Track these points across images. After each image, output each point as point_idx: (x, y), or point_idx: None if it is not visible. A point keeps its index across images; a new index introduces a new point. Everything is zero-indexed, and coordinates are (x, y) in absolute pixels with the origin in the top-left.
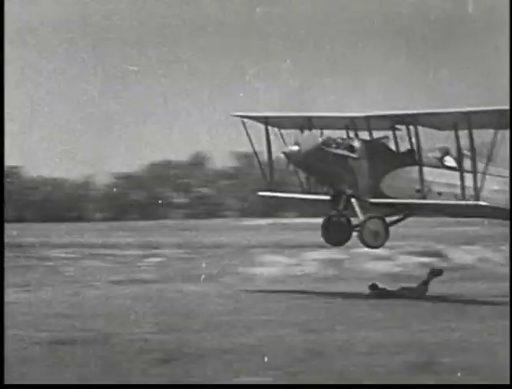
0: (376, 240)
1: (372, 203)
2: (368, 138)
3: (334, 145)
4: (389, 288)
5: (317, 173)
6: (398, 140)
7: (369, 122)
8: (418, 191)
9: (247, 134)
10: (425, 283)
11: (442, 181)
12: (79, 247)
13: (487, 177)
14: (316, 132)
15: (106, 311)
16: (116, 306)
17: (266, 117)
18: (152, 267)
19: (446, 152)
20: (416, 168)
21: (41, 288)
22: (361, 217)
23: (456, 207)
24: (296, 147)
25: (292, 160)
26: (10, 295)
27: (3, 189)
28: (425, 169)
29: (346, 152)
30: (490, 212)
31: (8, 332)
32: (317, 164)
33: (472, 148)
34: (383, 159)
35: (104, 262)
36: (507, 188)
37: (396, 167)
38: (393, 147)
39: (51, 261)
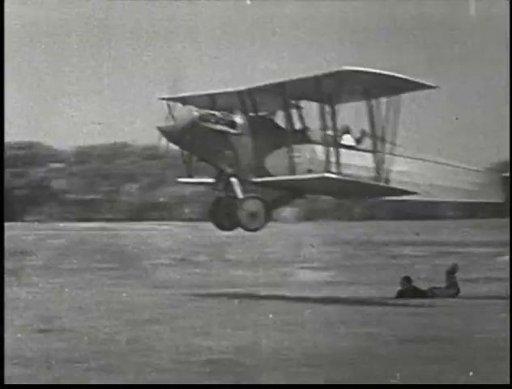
0: (253, 221)
1: (257, 183)
2: (259, 114)
3: (213, 120)
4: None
5: (195, 149)
6: (296, 117)
7: (253, 96)
8: (310, 171)
9: (172, 116)
10: (455, 283)
11: (337, 160)
12: (429, 245)
13: (390, 157)
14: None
15: None
16: None
17: (184, 98)
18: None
19: (346, 131)
20: (308, 146)
21: None
22: (239, 197)
23: (302, 182)
24: (171, 123)
25: (167, 136)
26: None
27: (3, 188)
28: (318, 148)
29: (225, 128)
30: (353, 188)
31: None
32: (194, 141)
33: (371, 124)
34: (269, 136)
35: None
36: (415, 170)
37: (284, 145)
38: (287, 123)
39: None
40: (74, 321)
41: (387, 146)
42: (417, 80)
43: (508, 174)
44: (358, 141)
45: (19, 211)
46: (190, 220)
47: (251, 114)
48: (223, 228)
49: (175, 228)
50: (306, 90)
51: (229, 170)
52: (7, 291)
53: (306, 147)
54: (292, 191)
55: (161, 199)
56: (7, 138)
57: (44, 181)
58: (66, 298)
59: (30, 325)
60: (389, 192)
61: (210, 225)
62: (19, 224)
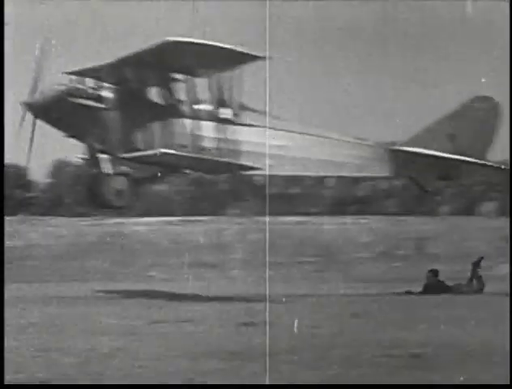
0: (118, 199)
1: (127, 159)
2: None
3: (80, 95)
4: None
5: (62, 126)
6: (171, 91)
7: (121, 69)
8: (183, 146)
9: (37, 89)
10: (479, 277)
11: (212, 135)
12: None
13: (270, 131)
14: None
15: None
16: None
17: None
18: None
19: (223, 104)
20: (181, 121)
21: None
22: (105, 173)
23: (153, 157)
24: (35, 96)
25: (33, 111)
26: None
27: (3, 188)
28: (192, 122)
29: (93, 103)
30: (196, 163)
31: None
32: (61, 116)
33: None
34: (140, 110)
35: None
36: (295, 144)
37: (156, 120)
38: (160, 97)
39: None
40: (273, 316)
41: (269, 120)
42: (247, 52)
43: (394, 147)
44: (236, 115)
45: (221, 205)
46: (390, 214)
47: (120, 88)
48: (99, 205)
49: (374, 222)
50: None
51: (98, 146)
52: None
53: (178, 121)
54: (165, 168)
55: (361, 193)
56: None
57: (243, 175)
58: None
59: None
60: (234, 168)
61: (411, 219)
62: (221, 218)
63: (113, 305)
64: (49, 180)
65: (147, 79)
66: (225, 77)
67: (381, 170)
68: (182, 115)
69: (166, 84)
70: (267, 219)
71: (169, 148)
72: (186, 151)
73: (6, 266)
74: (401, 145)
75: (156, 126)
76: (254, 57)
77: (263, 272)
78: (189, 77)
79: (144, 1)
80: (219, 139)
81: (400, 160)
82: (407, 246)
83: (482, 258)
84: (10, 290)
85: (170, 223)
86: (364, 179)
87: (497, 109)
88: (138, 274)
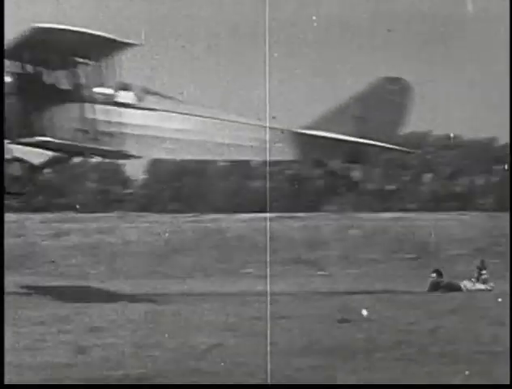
0: (14, 185)
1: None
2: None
3: None
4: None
5: None
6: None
7: (20, 52)
8: (83, 131)
9: None
10: (486, 280)
11: (111, 119)
12: None
13: (170, 114)
14: None
15: None
16: None
17: None
18: None
19: (124, 88)
20: (79, 105)
21: None
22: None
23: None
24: None
25: None
26: None
27: (3, 185)
28: (90, 106)
29: None
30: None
31: None
32: None
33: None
34: (38, 95)
35: None
36: (194, 127)
37: (54, 104)
38: (61, 81)
39: None
40: (371, 312)
41: (170, 103)
42: (119, 39)
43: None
44: (140, 99)
45: (317, 202)
46: (487, 210)
47: (19, 72)
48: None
49: (471, 218)
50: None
51: None
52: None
53: (76, 105)
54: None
55: (458, 189)
56: None
57: (343, 171)
58: (362, 288)
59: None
60: (109, 154)
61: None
62: (314, 214)
63: (209, 302)
64: (145, 176)
65: (45, 62)
66: (118, 60)
67: (285, 154)
68: (82, 99)
69: (65, 68)
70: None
71: (68, 133)
72: (87, 136)
73: (104, 261)
74: (306, 128)
75: (57, 111)
76: (127, 45)
77: (358, 268)
78: (87, 61)
79: None
80: (115, 123)
81: (305, 143)
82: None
83: (483, 261)
84: (106, 286)
85: (267, 219)
86: (461, 175)
87: (406, 89)
88: (235, 270)
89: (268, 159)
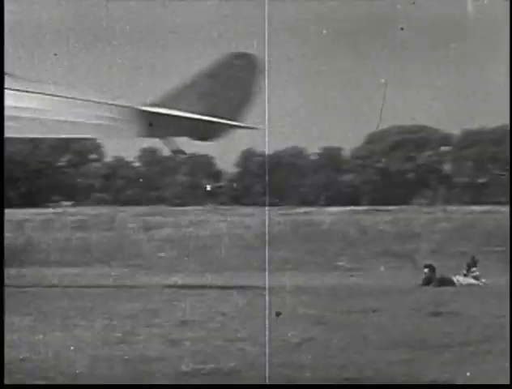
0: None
1: None
2: None
3: None
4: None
5: None
6: None
7: None
8: None
9: None
10: (477, 277)
11: None
12: None
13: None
14: None
15: None
16: None
17: None
18: None
19: None
20: None
21: None
22: None
23: None
24: None
25: None
26: None
27: (3, 184)
28: None
29: None
30: None
31: None
32: None
33: None
34: None
35: None
36: (33, 105)
37: None
38: None
39: None
40: (461, 306)
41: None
42: None
43: None
44: None
45: (408, 194)
46: None
47: None
48: None
49: None
50: None
51: None
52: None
53: None
54: None
55: None
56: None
57: (433, 164)
58: None
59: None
60: None
61: None
62: (406, 206)
63: (300, 295)
64: (237, 169)
65: None
66: None
67: (128, 132)
68: None
69: None
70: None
71: None
72: None
73: (193, 253)
74: (150, 105)
75: None
76: None
77: (449, 261)
78: None
79: None
80: None
81: (150, 120)
82: None
83: (474, 257)
84: (198, 279)
85: (357, 212)
86: None
87: (254, 65)
88: (327, 263)
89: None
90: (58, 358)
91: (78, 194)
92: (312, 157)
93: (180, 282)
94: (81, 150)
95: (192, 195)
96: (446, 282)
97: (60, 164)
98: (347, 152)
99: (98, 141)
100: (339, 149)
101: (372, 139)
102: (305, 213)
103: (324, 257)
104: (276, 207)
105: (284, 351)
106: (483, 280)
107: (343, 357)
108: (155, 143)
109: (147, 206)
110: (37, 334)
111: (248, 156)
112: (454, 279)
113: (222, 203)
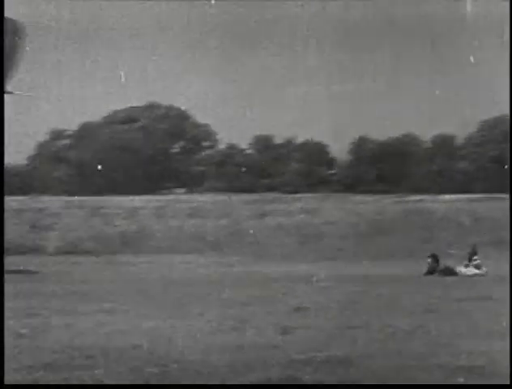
0: None
1: None
2: None
3: None
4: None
5: None
6: None
7: None
8: None
9: None
10: (478, 265)
11: None
12: None
13: None
14: None
15: None
16: None
17: None
18: None
19: None
20: None
21: None
22: None
23: None
24: None
25: None
26: None
27: (3, 183)
28: None
29: None
30: None
31: None
32: None
33: None
34: None
35: None
36: None
37: None
38: None
39: None
40: None
41: None
42: None
43: None
44: None
45: None
46: None
47: None
48: None
49: None
50: None
51: None
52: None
53: None
54: None
55: None
56: None
57: None
58: None
59: None
60: None
61: None
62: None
63: (411, 284)
64: (349, 157)
65: None
66: None
67: None
68: None
69: None
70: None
71: None
72: None
73: (305, 241)
74: None
75: None
76: None
77: None
78: None
79: None
80: None
81: None
82: None
83: (475, 245)
84: (310, 267)
85: (471, 200)
86: None
87: (15, 28)
88: (439, 252)
89: None
90: (172, 345)
91: (191, 182)
92: (425, 145)
93: (293, 269)
94: (195, 137)
95: (305, 183)
96: (449, 271)
97: (173, 151)
98: (460, 140)
99: (212, 128)
100: (452, 137)
101: (483, 128)
102: (419, 201)
103: (437, 245)
104: (389, 195)
105: (396, 339)
106: (484, 269)
107: (455, 345)
108: (268, 129)
109: (259, 193)
110: (150, 321)
111: (361, 144)
112: (457, 269)
113: (335, 191)
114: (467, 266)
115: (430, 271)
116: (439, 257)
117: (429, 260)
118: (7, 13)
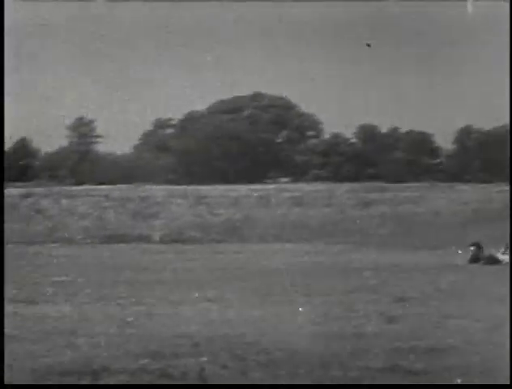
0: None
1: None
2: None
3: None
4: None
5: None
6: None
7: None
8: None
9: None
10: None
11: None
12: None
13: None
14: None
15: None
16: None
17: None
18: None
19: None
20: None
21: None
22: None
23: None
24: None
25: None
26: None
27: (3, 181)
28: None
29: None
30: None
31: None
32: None
33: None
34: None
35: None
36: None
37: None
38: None
39: None
40: None
41: None
42: None
43: None
44: None
45: None
46: None
47: None
48: None
49: None
50: None
51: None
52: None
53: None
54: None
55: None
56: None
57: None
58: None
59: None
60: None
61: None
62: None
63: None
64: (454, 146)
65: None
66: None
67: None
68: None
69: None
70: None
71: None
72: None
73: (410, 230)
74: None
75: None
76: None
77: None
78: None
79: None
80: None
81: None
82: None
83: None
84: (412, 255)
85: None
86: None
87: None
88: None
89: None
90: (277, 334)
91: (295, 171)
92: None
93: (396, 258)
94: (299, 126)
95: (409, 172)
96: (493, 260)
97: (278, 140)
98: None
99: (316, 117)
100: None
101: None
102: None
103: None
104: (493, 184)
105: (500, 328)
106: None
107: None
108: (372, 119)
109: (364, 182)
110: (255, 309)
111: (465, 133)
112: (500, 258)
113: (439, 180)
114: (503, 253)
115: (474, 260)
116: (482, 245)
117: (472, 248)
118: None
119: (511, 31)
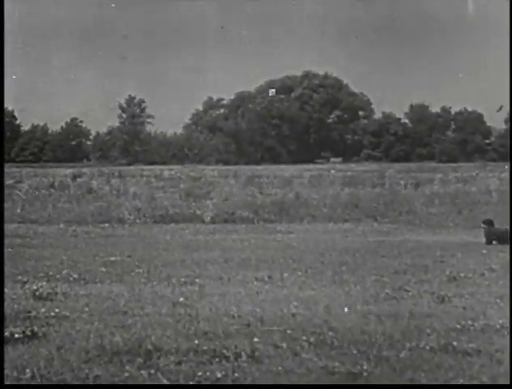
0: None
1: None
2: None
3: None
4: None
5: None
6: None
7: None
8: None
9: None
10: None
11: None
12: None
13: None
14: None
15: None
16: None
17: None
18: None
19: None
20: None
21: None
22: None
23: None
24: None
25: None
26: None
27: (3, 183)
28: None
29: None
30: None
31: None
32: None
33: None
34: None
35: None
36: None
37: None
38: None
39: None
40: None
41: None
42: None
43: None
44: None
45: None
46: None
47: None
48: None
49: None
50: None
51: None
52: None
53: None
54: None
55: None
56: None
57: None
58: None
59: None
60: None
61: None
62: None
63: None
64: (505, 127)
65: None
66: None
67: None
68: None
69: None
70: None
71: None
72: None
73: (462, 210)
74: None
75: None
76: None
77: None
78: None
79: None
80: None
81: None
82: None
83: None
84: (465, 235)
85: None
86: None
87: None
88: None
89: None
90: (329, 314)
91: (347, 151)
92: None
93: (448, 238)
94: (350, 106)
95: (461, 152)
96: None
97: (329, 120)
98: None
99: (366, 98)
100: None
101: None
102: None
103: None
104: None
105: None
106: None
107: None
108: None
109: (415, 162)
110: (306, 289)
111: None
112: None
113: (491, 160)
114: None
115: (488, 238)
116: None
117: (484, 226)
118: None
119: (511, 31)
